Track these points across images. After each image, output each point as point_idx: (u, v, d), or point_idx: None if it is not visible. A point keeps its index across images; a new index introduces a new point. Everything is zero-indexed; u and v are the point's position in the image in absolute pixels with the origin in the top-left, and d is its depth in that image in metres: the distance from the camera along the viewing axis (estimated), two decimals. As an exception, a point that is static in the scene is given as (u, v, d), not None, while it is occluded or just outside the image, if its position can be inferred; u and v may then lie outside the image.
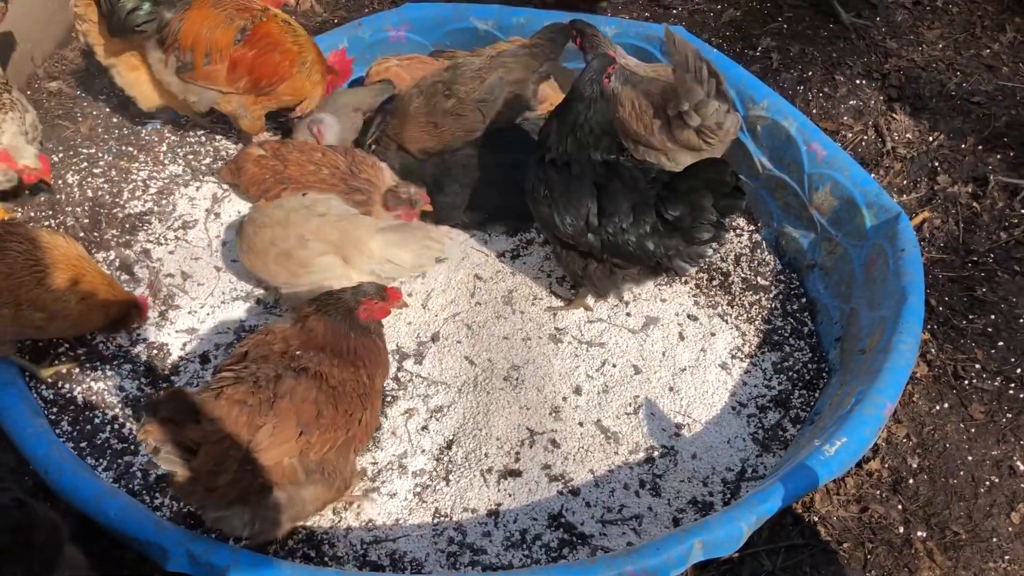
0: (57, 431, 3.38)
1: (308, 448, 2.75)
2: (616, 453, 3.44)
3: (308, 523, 3.18)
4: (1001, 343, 3.67)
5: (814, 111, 4.76)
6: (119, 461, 3.34)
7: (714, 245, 3.41)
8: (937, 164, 4.45)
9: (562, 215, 3.41)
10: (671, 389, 3.64)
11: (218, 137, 4.56)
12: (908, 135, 4.61)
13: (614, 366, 3.69)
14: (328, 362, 2.86)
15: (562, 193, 3.41)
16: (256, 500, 2.74)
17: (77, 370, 3.59)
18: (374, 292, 3.06)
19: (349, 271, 3.58)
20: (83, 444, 3.38)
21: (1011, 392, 3.50)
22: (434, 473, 3.36)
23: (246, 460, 2.65)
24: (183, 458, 2.57)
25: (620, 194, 3.37)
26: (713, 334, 3.84)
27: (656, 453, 3.44)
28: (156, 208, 4.20)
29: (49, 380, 3.53)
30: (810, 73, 4.92)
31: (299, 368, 2.81)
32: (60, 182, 4.25)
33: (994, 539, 3.08)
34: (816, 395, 3.66)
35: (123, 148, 4.45)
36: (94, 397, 3.51)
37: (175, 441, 2.54)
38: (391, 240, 3.66)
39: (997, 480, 3.24)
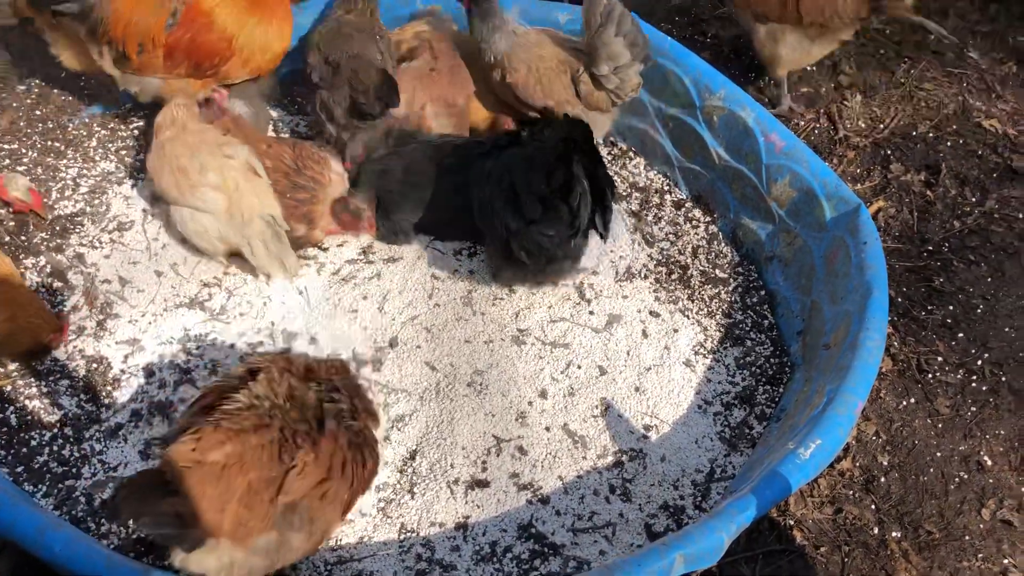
0: (-10, 456, 3.15)
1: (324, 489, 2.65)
2: (584, 458, 3.36)
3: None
4: (961, 334, 3.69)
5: (766, 99, 4.72)
6: (60, 486, 3.13)
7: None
8: (890, 152, 4.46)
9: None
10: (637, 389, 3.57)
11: (151, 133, 4.30)
12: (860, 123, 4.61)
13: (579, 367, 3.60)
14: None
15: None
16: (257, 538, 2.57)
17: (9, 388, 3.34)
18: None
19: (225, 225, 3.57)
20: (19, 469, 3.15)
21: (974, 385, 3.52)
22: (398, 486, 3.24)
23: (258, 499, 2.53)
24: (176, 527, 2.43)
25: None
26: (676, 330, 3.78)
27: (625, 457, 3.37)
28: (88, 209, 3.94)
29: (-22, 400, 3.29)
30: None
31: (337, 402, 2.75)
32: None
33: (966, 537, 3.09)
34: (780, 390, 3.63)
35: (49, 143, 4.17)
36: (29, 417, 3.28)
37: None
38: (268, 234, 3.60)
39: (966, 476, 3.25)
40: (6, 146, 4.13)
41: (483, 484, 3.26)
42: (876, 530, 3.12)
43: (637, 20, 3.91)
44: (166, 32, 3.66)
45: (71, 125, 4.25)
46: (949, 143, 4.46)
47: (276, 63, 4.00)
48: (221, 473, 2.46)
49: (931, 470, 3.28)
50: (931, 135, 4.51)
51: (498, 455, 3.34)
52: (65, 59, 3.87)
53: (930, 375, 3.56)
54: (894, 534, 3.11)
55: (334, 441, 2.66)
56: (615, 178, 4.35)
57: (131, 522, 2.47)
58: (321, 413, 2.69)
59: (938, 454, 3.32)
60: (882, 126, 4.58)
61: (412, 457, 3.31)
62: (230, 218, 3.56)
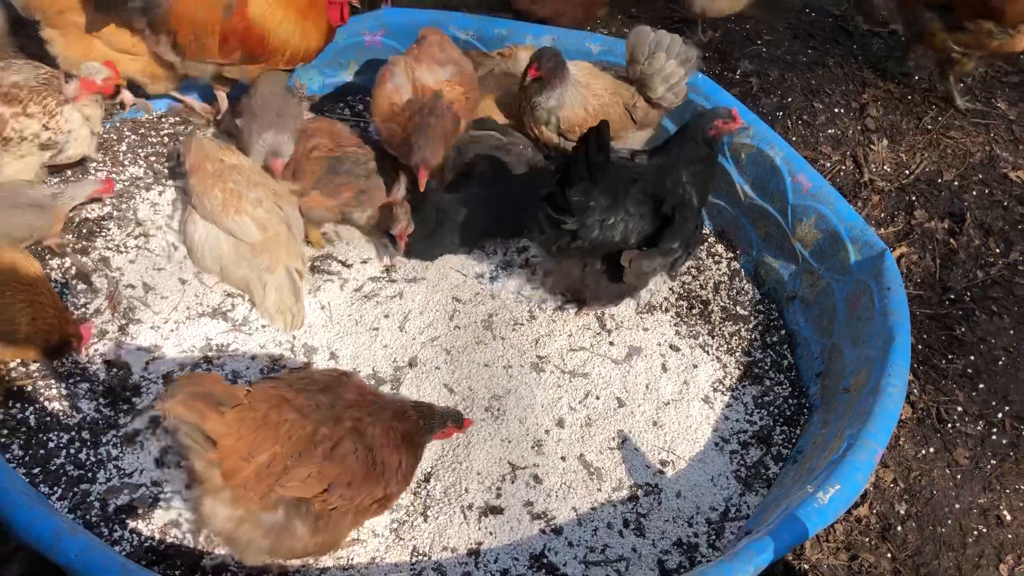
0: (7, 456, 3.14)
1: (323, 499, 2.69)
2: (599, 490, 3.35)
3: (281, 562, 3.01)
4: (982, 385, 3.68)
5: (793, 138, 4.73)
6: (75, 489, 3.12)
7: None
8: (914, 198, 4.46)
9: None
10: (655, 423, 3.56)
11: (182, 138, 4.33)
12: (886, 167, 4.62)
13: (597, 398, 3.60)
14: (386, 443, 2.82)
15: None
16: (259, 510, 2.67)
17: (29, 388, 3.35)
18: (455, 421, 3.07)
19: (245, 260, 3.64)
20: (35, 470, 3.15)
21: (994, 437, 3.50)
22: (412, 508, 3.22)
23: (277, 468, 2.62)
24: (203, 445, 2.56)
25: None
26: (695, 366, 3.77)
27: (640, 491, 3.36)
28: (115, 213, 3.95)
29: (-2, 399, 3.29)
30: (789, 99, 4.90)
31: (363, 431, 2.76)
32: None
33: (983, 592, 3.07)
34: (798, 431, 3.62)
35: (79, 146, 4.18)
36: (48, 419, 3.28)
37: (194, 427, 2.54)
38: (286, 285, 3.66)
39: (985, 530, 3.23)
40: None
41: (497, 511, 3.25)
42: (892, 580, 3.11)
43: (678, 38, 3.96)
44: (222, 22, 3.81)
45: (102, 129, 4.26)
46: (974, 192, 4.46)
47: (311, 58, 4.17)
48: (259, 426, 2.59)
49: (949, 521, 3.26)
50: (956, 183, 4.52)
51: (513, 482, 3.32)
52: (64, 59, 3.94)
53: (950, 425, 3.55)
54: (910, 585, 3.10)
55: (342, 464, 2.70)
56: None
57: (171, 413, 2.53)
58: (344, 434, 2.72)
59: (956, 505, 3.30)
60: (907, 172, 4.59)
61: (427, 480, 3.30)
62: (254, 256, 3.61)
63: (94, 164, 4.11)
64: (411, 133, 3.66)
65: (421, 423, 2.95)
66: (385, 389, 3.53)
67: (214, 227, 3.63)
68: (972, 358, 3.78)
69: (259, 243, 3.60)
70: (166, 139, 4.30)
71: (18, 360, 3.39)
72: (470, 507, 3.24)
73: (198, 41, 3.84)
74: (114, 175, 4.10)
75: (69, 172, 4.04)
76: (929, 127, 4.80)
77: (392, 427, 2.84)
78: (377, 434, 2.78)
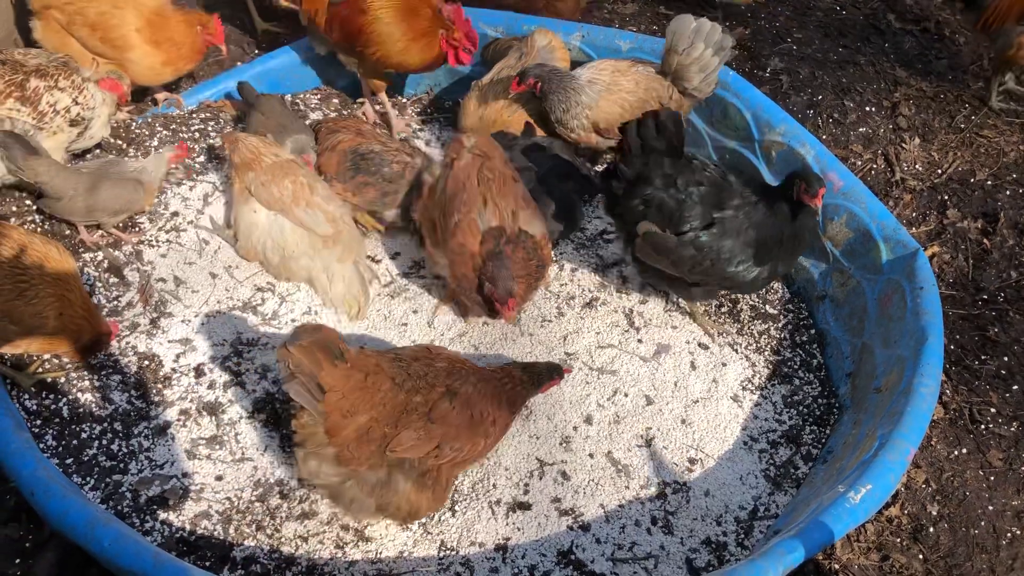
0: (41, 446, 3.18)
1: (434, 456, 2.84)
2: (627, 487, 3.34)
3: (310, 554, 3.03)
4: (1016, 387, 3.63)
5: (824, 136, 4.69)
6: (107, 480, 3.15)
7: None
8: (947, 198, 4.41)
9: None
10: (683, 421, 3.54)
11: (212, 134, 4.36)
12: (918, 166, 4.57)
13: (626, 395, 3.58)
14: (479, 399, 2.94)
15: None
16: (363, 470, 2.80)
17: (63, 380, 3.38)
18: (557, 374, 3.25)
19: (315, 251, 3.69)
20: (68, 460, 3.18)
21: (1028, 439, 3.47)
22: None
23: (376, 433, 2.75)
24: (315, 394, 2.68)
25: None
26: (724, 364, 3.75)
27: (668, 489, 3.34)
28: (147, 207, 3.99)
29: (32, 390, 3.32)
30: (820, 97, 4.86)
31: (456, 391, 2.89)
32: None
33: (1017, 595, 3.03)
34: (827, 431, 3.59)
35: (112, 140, 4.22)
36: (81, 410, 3.31)
37: (310, 375, 2.66)
38: (355, 278, 3.73)
39: (1019, 532, 3.19)
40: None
41: (525, 507, 3.25)
42: (924, 581, 3.08)
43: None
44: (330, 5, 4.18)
45: (134, 124, 4.31)
46: (1008, 192, 4.41)
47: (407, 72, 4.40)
48: (360, 388, 2.72)
49: (982, 523, 3.22)
50: (990, 183, 4.46)
51: (541, 478, 3.32)
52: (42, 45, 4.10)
53: (983, 426, 3.51)
54: (942, 586, 3.06)
55: (444, 423, 2.84)
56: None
57: (292, 358, 2.66)
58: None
59: (990, 507, 3.26)
60: (940, 171, 4.54)
61: (455, 475, 3.30)
62: (326, 247, 3.66)
63: (129, 157, 4.15)
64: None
65: (520, 379, 3.10)
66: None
67: (279, 217, 3.66)
68: (1006, 359, 3.73)
69: (331, 235, 3.65)
70: (197, 134, 4.34)
71: (50, 354, 3.43)
72: (498, 503, 3.24)
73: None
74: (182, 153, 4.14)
75: (89, 156, 4.09)
76: (962, 126, 4.74)
77: (484, 386, 2.98)
78: (470, 392, 2.91)
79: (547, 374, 3.20)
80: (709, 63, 3.95)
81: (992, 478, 3.34)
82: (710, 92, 4.11)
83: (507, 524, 3.20)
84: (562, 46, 4.43)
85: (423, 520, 3.17)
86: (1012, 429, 3.49)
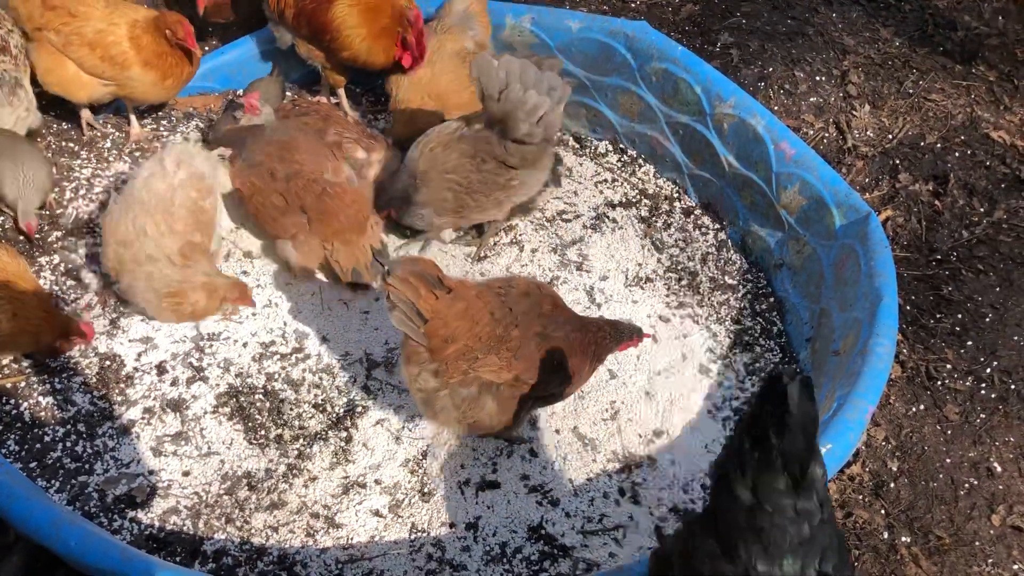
0: (3, 451, 3.16)
1: (512, 384, 3.01)
2: (594, 461, 3.37)
3: (280, 544, 3.04)
4: (970, 343, 3.70)
5: (775, 108, 4.74)
6: (73, 481, 3.14)
7: None
8: (898, 162, 4.47)
9: None
10: (647, 394, 3.58)
11: (164, 133, 4.34)
12: (869, 132, 4.63)
13: (589, 371, 3.62)
14: (565, 348, 3.07)
15: None
16: (456, 384, 2.98)
17: (23, 384, 3.36)
18: (637, 335, 3.35)
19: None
20: (32, 464, 3.16)
21: (983, 392, 3.53)
22: (409, 486, 3.25)
23: (471, 356, 2.94)
24: (415, 321, 2.85)
25: None
26: (686, 335, 3.79)
27: (634, 460, 3.38)
28: (102, 209, 3.96)
29: (-8, 395, 3.30)
30: (770, 69, 4.90)
31: (547, 335, 3.04)
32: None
33: (976, 543, 3.09)
34: (789, 396, 3.63)
35: (63, 144, 4.19)
36: (43, 413, 3.30)
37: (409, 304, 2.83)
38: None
39: (976, 482, 3.26)
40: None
41: (494, 485, 3.27)
42: (886, 535, 3.13)
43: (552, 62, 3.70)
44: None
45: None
46: (957, 154, 4.48)
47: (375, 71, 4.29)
48: (460, 317, 2.90)
49: (940, 476, 3.29)
50: (939, 146, 4.53)
51: (508, 457, 3.35)
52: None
53: (939, 382, 3.58)
54: (904, 539, 3.12)
55: (527, 361, 3.00)
56: (625, 185, 4.38)
57: (392, 289, 2.81)
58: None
59: (948, 460, 3.33)
60: (890, 136, 4.60)
61: (423, 457, 3.32)
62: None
63: (79, 161, 4.12)
64: None
65: (609, 333, 3.21)
66: (378, 372, 3.55)
67: None
68: (960, 316, 3.81)
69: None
70: (149, 133, 4.30)
71: (10, 358, 3.41)
72: (467, 482, 3.27)
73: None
74: (99, 172, 4.11)
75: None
76: (911, 91, 4.81)
77: (575, 335, 3.10)
78: (560, 338, 3.04)
79: (628, 334, 3.30)
80: (538, 106, 3.41)
81: (949, 432, 3.41)
82: (554, 135, 3.68)
83: (477, 503, 3.22)
84: (483, 11, 4.33)
85: (393, 504, 3.18)
86: (967, 384, 3.56)
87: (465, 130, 3.65)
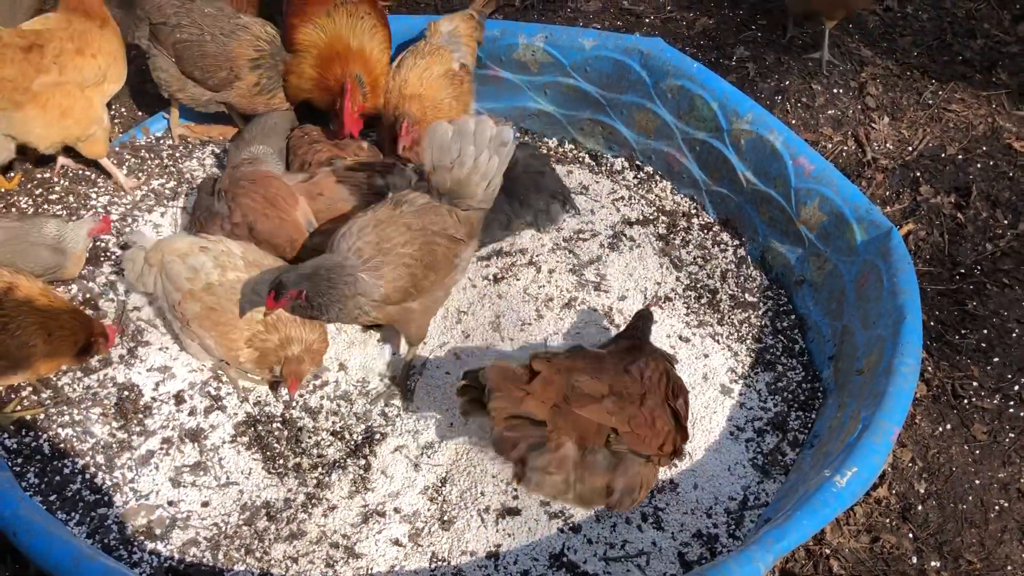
0: (23, 484, 3.16)
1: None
2: (616, 486, 3.33)
3: (300, 574, 3.01)
4: (996, 359, 3.64)
5: (793, 121, 4.70)
6: (92, 514, 3.13)
7: None
8: (919, 174, 4.42)
9: None
10: (668, 416, 3.53)
11: (180, 159, 4.35)
12: (888, 145, 4.58)
13: (609, 393, 3.58)
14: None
15: None
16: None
17: (42, 416, 3.36)
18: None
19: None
20: (52, 497, 3.16)
21: (1011, 411, 3.46)
22: (429, 514, 3.22)
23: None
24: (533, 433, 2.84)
25: None
26: (706, 355, 3.75)
27: (656, 485, 3.33)
28: (119, 237, 3.97)
29: (11, 428, 3.30)
30: (787, 83, 4.86)
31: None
32: (14, 209, 4.02)
33: (1008, 567, 3.03)
34: (813, 416, 3.59)
35: (80, 172, 4.21)
36: (62, 445, 3.30)
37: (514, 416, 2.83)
38: None
39: (1006, 504, 3.19)
40: (39, 175, 4.18)
41: (514, 512, 3.24)
42: (915, 559, 3.07)
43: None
44: None
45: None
46: (979, 165, 4.42)
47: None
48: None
49: (970, 498, 3.22)
50: (960, 157, 4.47)
51: (529, 483, 3.31)
52: None
53: (966, 400, 3.51)
54: (933, 563, 3.05)
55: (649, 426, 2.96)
56: (642, 202, 4.35)
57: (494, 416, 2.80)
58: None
59: (977, 481, 3.27)
60: (910, 148, 4.55)
61: (443, 484, 3.29)
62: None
63: (95, 190, 4.13)
64: None
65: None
66: (395, 398, 3.53)
67: None
68: (985, 332, 3.74)
69: None
70: (166, 160, 4.32)
71: (30, 388, 3.41)
72: (487, 510, 3.23)
73: None
74: (116, 199, 4.12)
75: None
76: (930, 102, 4.75)
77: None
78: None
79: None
80: (490, 168, 3.15)
81: (977, 452, 3.34)
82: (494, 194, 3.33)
83: (497, 531, 3.19)
84: (470, 33, 4.29)
85: (413, 533, 3.16)
86: (995, 401, 3.50)
87: (404, 205, 3.29)
